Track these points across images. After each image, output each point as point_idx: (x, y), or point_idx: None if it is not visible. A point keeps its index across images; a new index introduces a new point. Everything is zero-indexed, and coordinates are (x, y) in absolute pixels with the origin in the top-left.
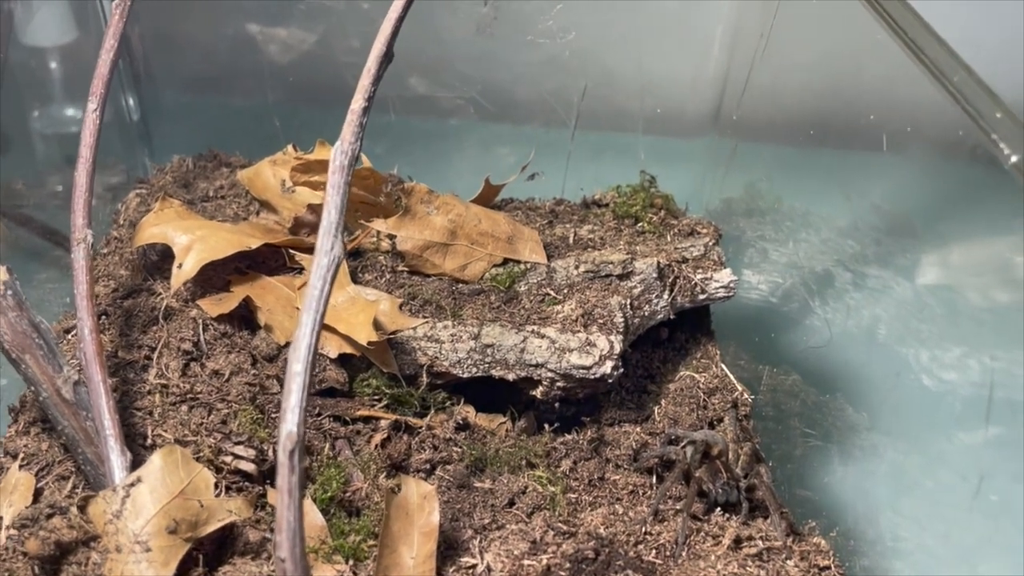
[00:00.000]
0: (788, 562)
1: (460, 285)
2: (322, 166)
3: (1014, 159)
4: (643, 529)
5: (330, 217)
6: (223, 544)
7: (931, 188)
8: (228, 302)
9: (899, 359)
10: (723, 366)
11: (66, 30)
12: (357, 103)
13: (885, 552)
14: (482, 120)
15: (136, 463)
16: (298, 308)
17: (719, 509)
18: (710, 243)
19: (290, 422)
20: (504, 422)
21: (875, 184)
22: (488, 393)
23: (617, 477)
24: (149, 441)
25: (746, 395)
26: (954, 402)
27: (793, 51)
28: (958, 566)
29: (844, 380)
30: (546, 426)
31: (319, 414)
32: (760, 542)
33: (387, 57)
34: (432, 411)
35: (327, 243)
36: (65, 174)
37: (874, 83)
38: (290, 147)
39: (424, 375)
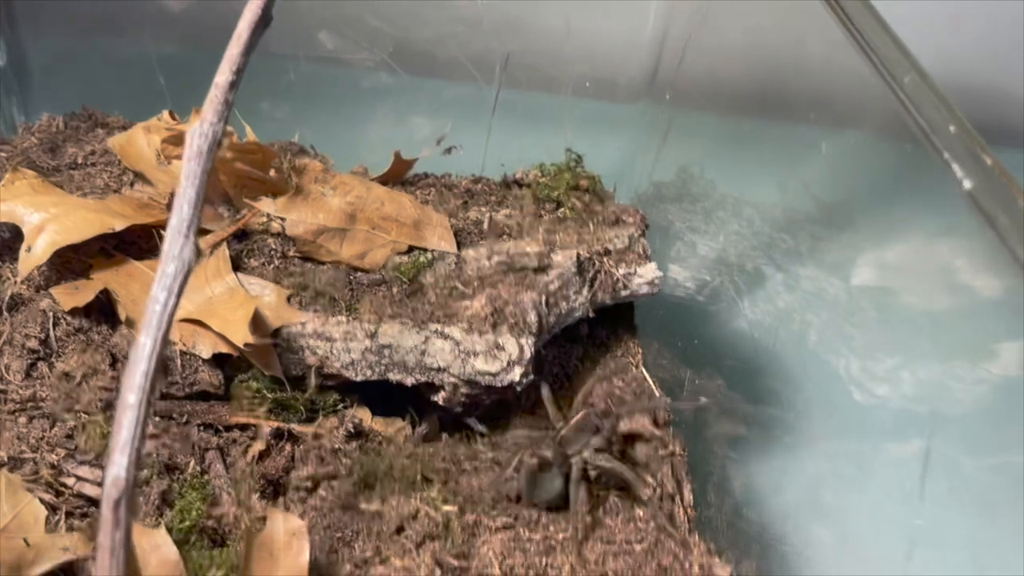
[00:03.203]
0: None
1: (359, 274)
2: None
3: (967, 185)
4: (543, 561)
5: (182, 214)
6: None
7: (874, 173)
8: (84, 293)
9: (829, 369)
10: (643, 370)
11: None
12: (222, 76)
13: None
14: (396, 85)
15: None
16: None
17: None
18: (635, 234)
19: (118, 464)
20: (403, 427)
21: (814, 168)
22: (385, 392)
23: None
24: None
25: (665, 400)
26: (884, 416)
27: (733, 22)
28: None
29: (770, 387)
30: (444, 436)
31: (187, 422)
32: None
33: (263, 21)
34: (321, 415)
35: (175, 246)
36: None
37: (817, 63)
38: (166, 113)
39: (312, 377)
